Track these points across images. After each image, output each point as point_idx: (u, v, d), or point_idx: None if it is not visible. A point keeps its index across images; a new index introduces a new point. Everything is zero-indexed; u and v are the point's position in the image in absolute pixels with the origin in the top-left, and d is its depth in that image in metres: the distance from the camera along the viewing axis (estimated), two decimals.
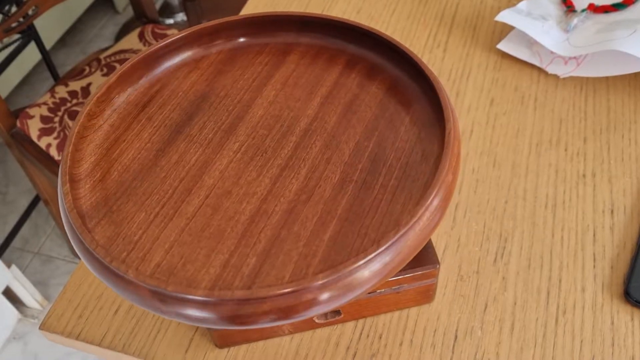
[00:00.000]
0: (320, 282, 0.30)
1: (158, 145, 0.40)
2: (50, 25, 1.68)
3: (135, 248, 0.34)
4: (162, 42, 0.45)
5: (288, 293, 0.30)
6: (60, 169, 0.37)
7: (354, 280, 0.31)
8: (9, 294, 1.23)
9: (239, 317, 0.31)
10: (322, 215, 0.36)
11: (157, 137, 0.41)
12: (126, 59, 1.13)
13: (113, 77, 0.42)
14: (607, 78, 0.59)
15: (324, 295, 0.31)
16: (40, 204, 1.45)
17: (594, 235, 0.48)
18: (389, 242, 0.31)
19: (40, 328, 0.45)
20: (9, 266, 1.20)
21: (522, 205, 0.50)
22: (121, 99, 0.43)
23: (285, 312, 0.31)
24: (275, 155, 0.39)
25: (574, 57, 0.59)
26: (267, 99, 0.43)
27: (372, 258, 0.31)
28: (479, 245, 0.48)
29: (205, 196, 0.37)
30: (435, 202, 0.33)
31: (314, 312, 0.31)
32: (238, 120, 0.42)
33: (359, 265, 0.31)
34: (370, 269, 0.31)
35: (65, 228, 0.35)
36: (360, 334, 0.43)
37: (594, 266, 0.46)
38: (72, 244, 0.35)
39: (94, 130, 0.41)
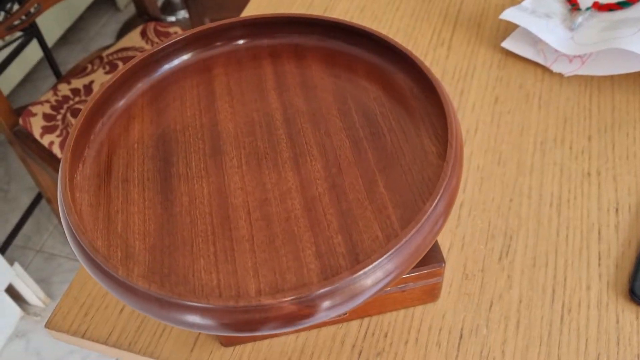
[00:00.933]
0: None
1: (157, 199, 0.38)
2: (52, 23, 1.68)
3: (224, 293, 0.33)
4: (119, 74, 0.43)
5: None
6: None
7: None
8: (11, 291, 1.23)
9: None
10: (363, 175, 0.38)
11: (150, 193, 0.38)
12: (128, 57, 1.13)
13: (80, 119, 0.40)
14: (611, 76, 0.59)
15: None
16: (43, 202, 1.45)
17: (599, 233, 0.48)
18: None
19: (46, 326, 0.45)
20: (11, 264, 1.20)
21: (527, 203, 0.50)
22: (85, 170, 0.39)
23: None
24: (278, 152, 0.40)
25: (579, 56, 0.59)
26: (226, 112, 0.42)
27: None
28: (484, 244, 0.48)
29: (247, 214, 0.37)
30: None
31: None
32: (216, 141, 0.41)
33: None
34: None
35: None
36: (366, 332, 0.43)
37: (599, 264, 0.46)
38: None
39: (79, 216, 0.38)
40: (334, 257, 0.34)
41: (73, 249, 0.34)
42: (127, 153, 0.41)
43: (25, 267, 1.36)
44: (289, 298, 0.30)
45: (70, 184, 0.37)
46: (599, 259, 0.46)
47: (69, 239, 0.35)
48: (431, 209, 0.33)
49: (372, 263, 0.31)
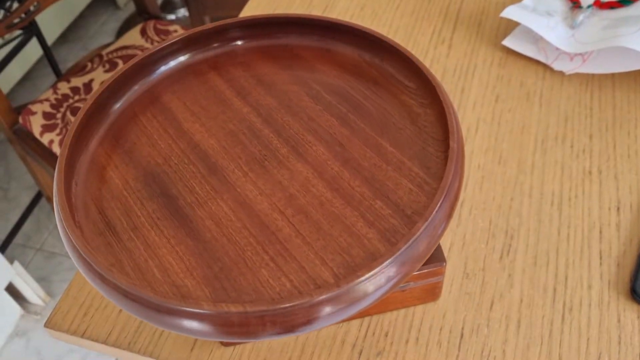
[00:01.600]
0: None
1: (181, 233, 0.36)
2: (51, 21, 1.68)
3: (305, 289, 0.33)
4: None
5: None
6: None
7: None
8: (11, 290, 1.23)
9: None
10: (367, 143, 0.40)
11: (170, 231, 0.36)
12: (128, 55, 1.13)
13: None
14: (612, 75, 0.59)
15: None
16: (43, 200, 1.45)
17: (600, 232, 0.47)
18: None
19: (45, 326, 0.45)
20: (11, 262, 1.20)
21: (527, 202, 0.50)
22: (86, 235, 0.37)
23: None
24: (274, 150, 0.40)
25: (580, 54, 0.59)
26: (200, 131, 0.42)
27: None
28: (484, 243, 0.47)
29: (280, 214, 0.36)
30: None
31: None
32: (207, 160, 0.40)
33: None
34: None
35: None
36: (366, 332, 0.43)
37: (600, 264, 0.46)
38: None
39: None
40: (384, 220, 0.35)
41: (135, 315, 0.32)
42: (120, 202, 0.38)
43: (26, 266, 1.36)
44: (382, 264, 0.31)
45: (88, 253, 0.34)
46: (600, 257, 0.46)
47: (123, 308, 0.33)
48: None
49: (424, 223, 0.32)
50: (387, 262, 0.31)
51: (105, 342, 0.44)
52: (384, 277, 0.31)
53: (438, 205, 0.33)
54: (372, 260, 0.33)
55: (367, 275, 0.31)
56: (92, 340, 0.44)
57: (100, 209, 0.38)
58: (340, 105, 0.42)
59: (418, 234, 0.32)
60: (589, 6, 0.61)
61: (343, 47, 0.46)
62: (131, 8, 1.93)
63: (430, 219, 0.33)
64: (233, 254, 0.35)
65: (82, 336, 0.44)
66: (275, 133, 0.41)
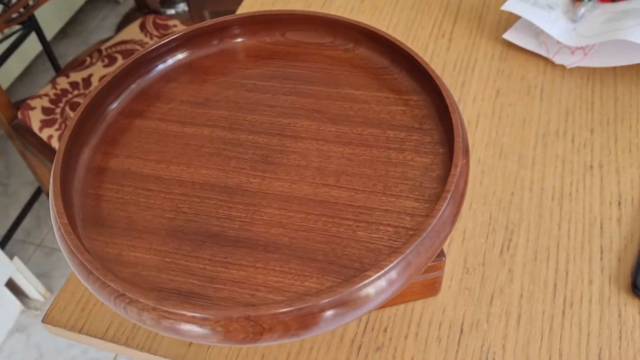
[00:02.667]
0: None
1: (260, 255, 0.34)
2: (51, 16, 1.67)
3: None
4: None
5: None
6: None
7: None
8: (11, 285, 1.23)
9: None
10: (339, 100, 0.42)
11: (248, 259, 0.34)
12: (127, 50, 1.12)
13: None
14: (614, 68, 0.58)
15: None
16: (43, 196, 1.45)
17: (601, 227, 0.47)
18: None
19: (43, 321, 0.45)
20: (11, 258, 1.20)
21: (528, 196, 0.49)
22: None
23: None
24: (267, 145, 0.40)
25: (581, 47, 0.58)
26: (180, 171, 0.39)
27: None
28: (484, 238, 0.47)
29: (326, 185, 0.37)
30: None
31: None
32: (216, 187, 0.38)
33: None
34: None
35: None
36: (365, 327, 0.43)
37: (601, 258, 0.45)
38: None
39: None
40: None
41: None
42: (172, 270, 0.34)
43: (26, 262, 1.36)
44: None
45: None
46: (601, 252, 0.46)
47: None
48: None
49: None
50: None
51: (102, 338, 0.43)
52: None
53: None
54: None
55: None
56: (90, 335, 0.44)
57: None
58: (298, 86, 0.43)
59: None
60: None
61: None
62: (131, 3, 1.92)
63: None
64: (321, 238, 0.34)
65: (80, 331, 0.44)
66: (252, 133, 0.40)
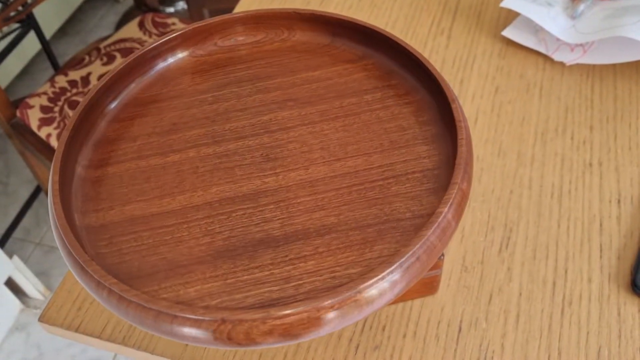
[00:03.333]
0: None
1: (329, 240, 0.35)
2: (50, 15, 1.67)
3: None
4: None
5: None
6: None
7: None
8: (11, 284, 1.23)
9: None
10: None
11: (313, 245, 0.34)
12: (126, 48, 1.12)
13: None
14: (614, 65, 0.58)
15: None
16: (42, 195, 1.45)
17: (601, 225, 0.47)
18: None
19: (39, 320, 0.45)
20: (10, 257, 1.20)
21: (527, 194, 0.49)
22: None
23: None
24: (261, 145, 0.40)
25: (581, 44, 0.58)
26: (190, 197, 0.37)
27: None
28: (483, 236, 0.47)
29: (343, 159, 0.38)
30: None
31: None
32: (235, 199, 0.36)
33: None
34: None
35: None
36: (363, 326, 0.43)
37: (601, 257, 0.45)
38: None
39: None
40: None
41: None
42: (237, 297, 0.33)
43: (25, 260, 1.36)
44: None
45: None
46: (601, 251, 0.46)
47: None
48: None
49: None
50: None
51: (99, 337, 0.43)
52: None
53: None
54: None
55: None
56: (87, 334, 0.43)
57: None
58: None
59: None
60: None
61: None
62: (130, 1, 1.92)
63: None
64: (364, 205, 0.36)
65: (77, 330, 0.44)
66: (239, 139, 0.40)
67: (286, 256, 0.33)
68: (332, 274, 0.32)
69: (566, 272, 0.45)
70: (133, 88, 0.44)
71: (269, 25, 0.46)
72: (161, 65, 0.45)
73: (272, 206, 0.36)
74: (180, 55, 0.45)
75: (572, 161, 0.51)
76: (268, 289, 0.32)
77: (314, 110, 0.41)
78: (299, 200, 0.36)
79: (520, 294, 0.44)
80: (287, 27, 0.46)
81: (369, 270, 0.31)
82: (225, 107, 0.42)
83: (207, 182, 0.38)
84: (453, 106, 0.37)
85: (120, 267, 0.34)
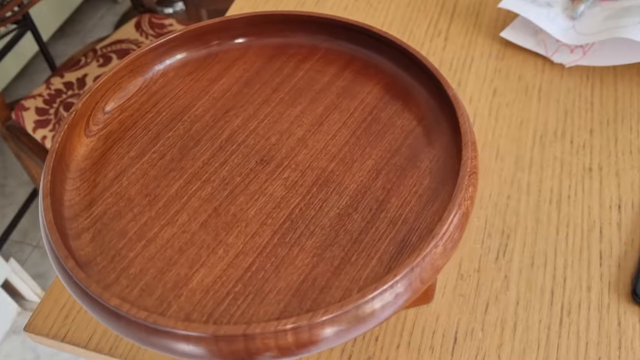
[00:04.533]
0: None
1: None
2: (48, 16, 1.66)
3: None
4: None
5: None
6: None
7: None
8: (8, 287, 1.22)
9: None
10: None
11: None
12: (122, 49, 1.11)
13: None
14: (614, 67, 0.57)
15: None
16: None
17: (601, 231, 0.46)
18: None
19: (24, 329, 0.44)
20: (7, 259, 1.19)
21: (525, 200, 0.48)
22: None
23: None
24: (251, 153, 0.38)
25: (580, 46, 0.57)
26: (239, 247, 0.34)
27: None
28: (480, 242, 0.46)
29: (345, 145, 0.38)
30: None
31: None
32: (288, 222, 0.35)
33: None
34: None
35: None
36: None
37: (600, 264, 0.44)
38: None
39: None
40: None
41: None
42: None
43: (22, 263, 1.35)
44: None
45: None
46: (600, 258, 0.44)
47: None
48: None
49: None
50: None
51: (85, 347, 0.42)
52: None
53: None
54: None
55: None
56: (73, 344, 0.42)
57: None
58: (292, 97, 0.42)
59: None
60: None
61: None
62: (128, 2, 1.91)
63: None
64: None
65: (63, 340, 0.43)
66: (215, 161, 0.38)
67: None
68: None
69: (565, 280, 0.43)
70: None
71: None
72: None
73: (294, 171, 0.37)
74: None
75: (572, 165, 0.50)
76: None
77: (297, 111, 0.40)
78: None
79: (518, 303, 0.42)
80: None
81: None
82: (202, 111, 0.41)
83: (217, 215, 0.36)
84: (462, 129, 0.35)
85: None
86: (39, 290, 1.27)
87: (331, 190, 0.36)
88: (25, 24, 1.13)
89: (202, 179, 0.37)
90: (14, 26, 1.14)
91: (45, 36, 1.67)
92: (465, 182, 0.33)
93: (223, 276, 0.32)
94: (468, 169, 0.33)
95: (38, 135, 1.01)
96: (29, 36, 1.16)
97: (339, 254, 0.33)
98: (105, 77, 0.40)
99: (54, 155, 0.35)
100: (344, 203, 0.35)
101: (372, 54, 0.43)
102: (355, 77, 0.42)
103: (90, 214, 0.35)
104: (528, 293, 0.43)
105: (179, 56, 0.44)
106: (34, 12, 1.51)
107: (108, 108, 0.40)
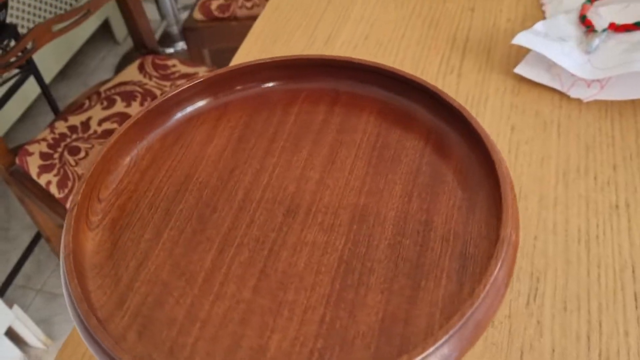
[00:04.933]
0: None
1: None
2: (50, 58, 1.67)
3: None
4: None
5: None
6: None
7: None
8: (11, 334, 1.20)
9: None
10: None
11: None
12: (126, 92, 1.11)
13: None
14: (633, 101, 0.56)
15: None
16: (43, 240, 1.42)
17: (633, 271, 0.44)
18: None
19: None
20: (11, 306, 1.17)
21: (552, 240, 0.46)
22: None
23: None
24: (274, 212, 0.36)
25: (597, 80, 0.56)
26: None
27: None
28: (509, 287, 0.44)
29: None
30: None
31: None
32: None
33: (478, 305, 0.27)
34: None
35: None
36: None
37: (636, 307, 0.42)
38: None
39: None
40: None
41: None
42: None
43: (26, 308, 1.33)
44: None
45: None
46: (636, 300, 0.43)
47: None
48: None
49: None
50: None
51: None
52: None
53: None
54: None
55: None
56: None
57: None
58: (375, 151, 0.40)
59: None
60: (603, 30, 0.58)
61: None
62: (130, 43, 1.92)
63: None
64: None
65: None
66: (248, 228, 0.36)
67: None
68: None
69: (600, 325, 0.42)
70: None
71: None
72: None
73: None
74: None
75: (598, 203, 0.48)
76: None
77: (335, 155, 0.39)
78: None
79: (554, 351, 0.41)
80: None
81: (451, 303, 0.30)
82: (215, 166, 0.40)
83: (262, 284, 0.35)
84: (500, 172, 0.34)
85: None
86: (42, 336, 1.25)
87: (371, 223, 0.35)
88: (28, 68, 1.13)
89: (235, 244, 0.34)
90: (16, 70, 1.14)
91: (47, 79, 1.67)
92: (510, 216, 0.31)
93: (299, 336, 0.30)
94: (503, 170, 0.33)
95: (42, 180, 0.99)
96: (31, 79, 1.16)
97: (406, 283, 0.32)
98: (96, 162, 0.37)
99: (71, 256, 0.32)
100: (389, 233, 0.34)
101: (356, 84, 0.43)
102: (347, 110, 0.42)
103: (125, 310, 0.32)
104: (563, 339, 0.41)
105: (159, 129, 0.42)
106: (36, 55, 1.52)
107: (102, 196, 0.37)
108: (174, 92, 0.41)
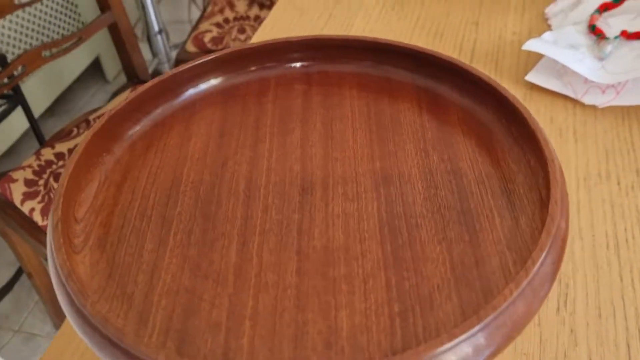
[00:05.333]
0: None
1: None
2: (39, 94, 1.64)
3: None
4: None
5: None
6: None
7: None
8: None
9: None
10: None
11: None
12: None
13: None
14: None
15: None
16: (23, 277, 1.36)
17: None
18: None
19: None
20: None
21: (579, 245, 0.43)
22: None
23: None
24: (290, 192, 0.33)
25: (613, 86, 0.54)
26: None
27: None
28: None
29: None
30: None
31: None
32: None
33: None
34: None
35: None
36: None
37: None
38: None
39: None
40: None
41: None
42: None
43: (1, 348, 1.25)
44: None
45: None
46: None
47: None
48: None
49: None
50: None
51: None
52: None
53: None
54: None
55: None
56: None
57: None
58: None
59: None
60: (615, 37, 0.56)
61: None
62: (121, 81, 1.91)
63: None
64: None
65: None
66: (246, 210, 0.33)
67: None
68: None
69: (639, 330, 0.38)
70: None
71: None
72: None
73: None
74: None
75: (623, 207, 0.45)
76: None
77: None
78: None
79: None
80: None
81: (513, 238, 0.28)
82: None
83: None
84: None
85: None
86: None
87: (397, 183, 0.32)
88: (16, 99, 1.10)
89: (257, 232, 0.31)
90: (3, 101, 1.11)
91: (36, 114, 1.64)
92: (559, 210, 0.28)
93: (370, 306, 0.27)
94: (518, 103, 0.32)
95: (26, 207, 0.95)
96: (18, 114, 1.13)
97: (460, 229, 0.29)
98: (69, 175, 0.32)
99: (73, 275, 0.27)
100: (420, 187, 0.32)
101: (326, 63, 0.42)
102: (325, 89, 0.40)
103: (151, 329, 0.27)
104: (600, 348, 0.37)
105: (129, 133, 0.38)
106: (25, 90, 1.49)
107: (79, 215, 0.33)
108: (132, 98, 0.37)
